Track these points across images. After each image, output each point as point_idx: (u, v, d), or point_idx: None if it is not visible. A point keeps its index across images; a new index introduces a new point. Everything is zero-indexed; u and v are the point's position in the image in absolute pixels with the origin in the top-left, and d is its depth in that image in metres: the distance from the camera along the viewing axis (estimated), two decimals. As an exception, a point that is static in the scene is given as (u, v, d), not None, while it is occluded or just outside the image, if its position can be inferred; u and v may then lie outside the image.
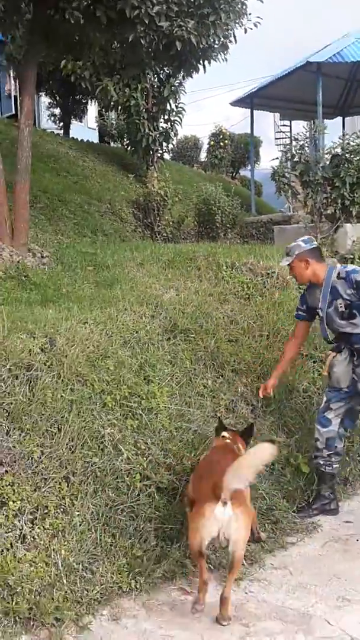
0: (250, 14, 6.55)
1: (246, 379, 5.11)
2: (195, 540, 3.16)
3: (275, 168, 8.18)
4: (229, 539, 3.13)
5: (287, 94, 14.18)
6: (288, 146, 9.01)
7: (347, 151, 7.65)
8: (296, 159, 7.87)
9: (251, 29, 6.63)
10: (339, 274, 4.34)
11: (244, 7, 6.48)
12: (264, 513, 4.17)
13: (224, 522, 3.11)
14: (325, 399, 4.55)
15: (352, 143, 7.99)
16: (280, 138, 18.10)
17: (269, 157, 18.63)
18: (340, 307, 4.35)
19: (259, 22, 6.60)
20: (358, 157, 7.55)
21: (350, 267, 4.48)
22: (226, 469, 3.11)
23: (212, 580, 3.40)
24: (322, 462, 4.50)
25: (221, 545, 3.26)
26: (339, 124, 16.40)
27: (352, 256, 7.51)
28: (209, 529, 3.12)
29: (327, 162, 7.99)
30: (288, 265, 4.49)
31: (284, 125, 18.15)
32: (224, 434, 3.94)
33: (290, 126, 17.63)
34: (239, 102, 15.02)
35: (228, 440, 3.86)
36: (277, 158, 8.38)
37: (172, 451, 4.13)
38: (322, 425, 4.49)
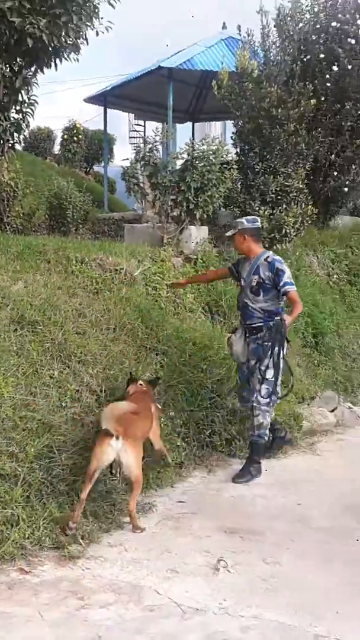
0: (102, 17, 6.74)
1: (92, 370, 5.28)
2: (92, 464, 4.10)
3: (125, 168, 8.39)
4: (122, 463, 4.18)
5: (140, 95, 14.46)
6: (139, 147, 9.23)
7: (193, 157, 8.02)
8: (145, 161, 8.11)
9: (103, 32, 6.81)
10: (267, 257, 5.35)
11: (97, 10, 6.65)
12: (104, 496, 4.40)
13: (117, 450, 4.13)
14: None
15: (197, 149, 8.36)
16: (134, 137, 18.39)
17: (123, 155, 18.90)
18: (253, 282, 5.33)
19: (110, 27, 6.80)
20: (202, 164, 7.92)
21: (277, 257, 5.44)
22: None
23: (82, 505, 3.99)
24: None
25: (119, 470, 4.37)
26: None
27: (195, 257, 7.88)
28: (106, 456, 4.12)
29: (176, 166, 8.34)
30: (231, 235, 5.52)
31: (138, 125, 18.45)
32: (140, 382, 5.02)
33: (145, 126, 17.97)
34: (93, 99, 15.06)
35: (143, 387, 4.96)
36: (128, 158, 8.58)
37: (15, 440, 4.23)
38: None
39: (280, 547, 4.05)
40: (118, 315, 5.95)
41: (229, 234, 5.59)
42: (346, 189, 10.10)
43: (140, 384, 4.98)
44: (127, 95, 14.61)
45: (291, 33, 9.75)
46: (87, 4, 6.20)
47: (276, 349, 5.20)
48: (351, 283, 9.89)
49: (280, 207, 8.71)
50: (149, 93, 13.85)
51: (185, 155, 8.19)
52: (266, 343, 5.23)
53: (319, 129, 9.36)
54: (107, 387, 5.22)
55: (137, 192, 8.29)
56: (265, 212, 8.58)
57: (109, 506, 4.35)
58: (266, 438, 5.37)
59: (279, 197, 8.74)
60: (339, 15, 9.87)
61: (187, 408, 5.56)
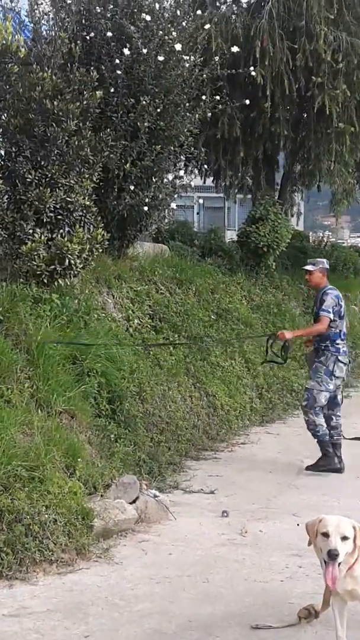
0: None
1: None
2: None
3: None
4: None
5: None
6: None
7: None
8: None
9: None
10: (322, 290, 8.93)
11: None
12: None
13: None
14: None
15: None
16: None
17: None
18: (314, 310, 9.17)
19: None
20: None
21: (330, 290, 8.88)
22: None
23: None
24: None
25: None
26: None
27: None
28: None
29: None
30: (309, 271, 9.09)
31: None
32: None
33: None
34: None
35: None
36: None
37: None
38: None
39: None
40: None
41: (309, 267, 9.10)
42: (146, 208, 10.52)
43: None
44: None
45: (68, 2, 10.09)
46: None
47: (315, 365, 8.79)
48: (156, 330, 10.29)
49: (61, 231, 8.87)
50: None
51: None
52: (316, 361, 8.81)
53: (109, 130, 9.70)
54: None
55: None
56: (42, 237, 8.68)
57: None
58: (320, 433, 8.65)
59: (59, 216, 8.90)
60: (131, -18, 10.39)
61: None
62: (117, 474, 7.25)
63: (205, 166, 15.92)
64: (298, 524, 6.27)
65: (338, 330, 8.79)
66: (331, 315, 8.65)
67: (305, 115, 14.84)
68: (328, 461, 8.61)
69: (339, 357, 8.72)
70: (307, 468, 8.62)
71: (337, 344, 8.75)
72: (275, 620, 4.96)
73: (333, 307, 8.69)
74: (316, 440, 8.70)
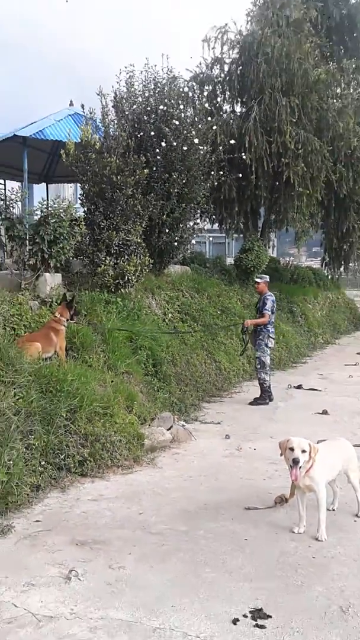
0: None
1: None
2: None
3: (-16, 223, 8.12)
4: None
5: (-1, 158, 14.08)
6: (-1, 203, 8.98)
7: (46, 214, 7.98)
8: (2, 216, 7.94)
9: None
10: (265, 295, 9.43)
11: None
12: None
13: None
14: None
15: (50, 207, 8.35)
16: (-6, 194, 17.77)
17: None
18: (257, 307, 9.59)
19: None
20: (54, 220, 7.92)
21: (270, 295, 9.43)
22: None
23: None
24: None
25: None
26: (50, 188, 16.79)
27: (50, 300, 7.77)
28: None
29: (32, 221, 8.22)
30: (258, 282, 9.66)
31: (-1, 184, 17.89)
32: (57, 314, 6.87)
33: (5, 184, 17.46)
34: None
35: (56, 317, 6.82)
36: (-14, 215, 8.31)
37: None
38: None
39: (124, 553, 4.05)
40: None
41: (259, 280, 9.67)
42: (176, 244, 10.52)
43: (55, 315, 6.83)
44: (-13, 158, 14.11)
45: (126, 113, 10.11)
46: None
47: (257, 341, 9.35)
48: (183, 321, 10.28)
49: (122, 258, 8.90)
50: (7, 156, 13.52)
51: (39, 212, 8.14)
52: (258, 339, 9.34)
53: (152, 194, 9.68)
54: None
55: (-4, 242, 8.06)
56: (110, 262, 8.71)
57: (-31, 532, 4.10)
58: (266, 385, 9.17)
59: (121, 249, 8.93)
60: (166, 100, 10.36)
61: (45, 435, 5.42)
62: (158, 412, 7.28)
63: (213, 216, 15.83)
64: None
65: (270, 320, 9.34)
66: (270, 313, 9.28)
67: (277, 184, 14.61)
68: (264, 397, 9.13)
69: (270, 335, 9.34)
70: (251, 403, 9.03)
71: (268, 328, 9.31)
72: (260, 504, 4.97)
73: (271, 307, 9.32)
74: (262, 388, 9.22)
